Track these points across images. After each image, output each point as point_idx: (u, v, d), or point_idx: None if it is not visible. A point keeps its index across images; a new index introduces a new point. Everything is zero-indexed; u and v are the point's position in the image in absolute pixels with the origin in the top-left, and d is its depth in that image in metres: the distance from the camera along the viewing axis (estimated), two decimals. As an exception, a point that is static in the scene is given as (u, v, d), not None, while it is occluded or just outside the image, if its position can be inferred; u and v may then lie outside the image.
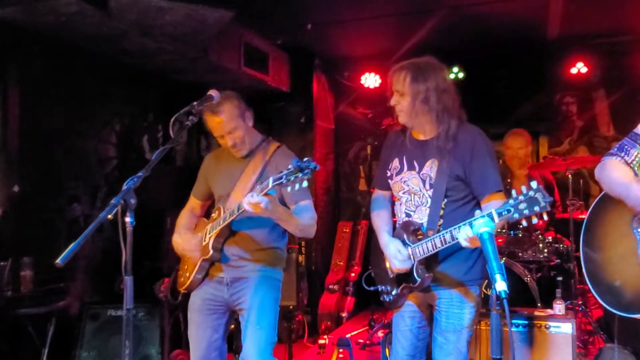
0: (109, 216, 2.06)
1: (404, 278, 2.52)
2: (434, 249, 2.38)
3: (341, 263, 6.02)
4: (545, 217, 2.00)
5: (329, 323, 5.56)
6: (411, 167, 2.60)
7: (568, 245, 4.54)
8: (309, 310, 5.72)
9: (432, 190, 2.51)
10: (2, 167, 4.03)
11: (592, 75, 5.77)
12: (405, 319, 2.67)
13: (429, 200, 2.52)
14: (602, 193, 2.51)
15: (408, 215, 2.59)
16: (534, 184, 2.00)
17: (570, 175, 4.46)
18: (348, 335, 4.63)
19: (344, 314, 5.63)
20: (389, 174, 2.70)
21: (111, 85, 4.96)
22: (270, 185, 2.38)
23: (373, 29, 5.38)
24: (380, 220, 2.73)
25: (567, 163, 4.48)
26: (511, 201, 2.04)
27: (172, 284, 3.09)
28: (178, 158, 5.86)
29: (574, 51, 5.70)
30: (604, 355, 3.53)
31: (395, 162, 2.67)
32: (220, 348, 2.88)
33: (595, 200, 2.54)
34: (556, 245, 4.54)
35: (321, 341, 4.43)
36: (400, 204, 2.64)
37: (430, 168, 2.53)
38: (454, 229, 2.26)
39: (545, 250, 4.45)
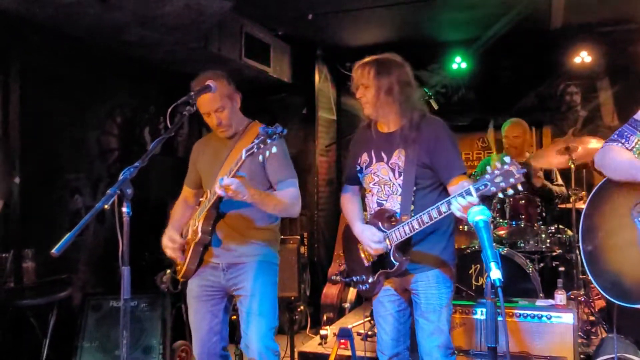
0: (105, 206, 2.06)
1: (381, 265, 2.62)
2: (411, 232, 2.47)
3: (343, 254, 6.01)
4: (520, 188, 2.11)
5: (331, 314, 5.56)
6: (379, 159, 2.71)
7: (570, 236, 4.52)
8: (311, 301, 5.74)
9: (402, 178, 2.62)
10: (3, 158, 4.04)
11: (596, 64, 5.72)
12: (385, 304, 2.77)
13: (400, 188, 2.62)
14: (600, 183, 2.49)
15: (380, 204, 2.68)
16: (507, 159, 2.10)
17: (572, 166, 4.42)
18: (350, 326, 4.63)
19: (346, 305, 5.63)
20: (358, 168, 2.80)
21: (112, 77, 4.96)
22: (243, 157, 2.44)
23: (375, 19, 5.34)
24: (350, 210, 2.85)
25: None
26: (487, 176, 2.14)
27: (171, 274, 3.10)
28: (180, 149, 5.85)
29: (578, 40, 5.65)
30: (606, 345, 3.51)
31: (364, 156, 2.77)
32: (221, 332, 2.91)
33: (594, 190, 2.53)
34: (558, 235, 4.52)
35: (323, 332, 4.42)
36: (372, 195, 2.74)
37: (398, 157, 2.64)
38: (434, 208, 2.37)
39: (548, 241, 4.43)
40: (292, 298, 4.43)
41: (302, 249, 5.62)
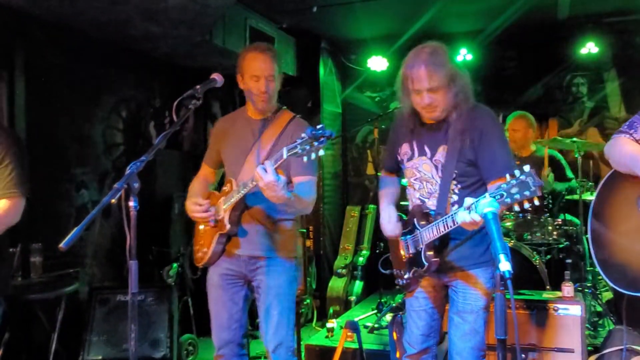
0: (113, 200, 2.05)
1: (414, 262, 2.53)
2: (439, 233, 2.37)
3: (349, 247, 6.03)
4: (537, 202, 1.95)
5: (337, 307, 5.58)
6: (422, 153, 2.57)
7: (577, 227, 4.50)
8: (318, 294, 5.75)
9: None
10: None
11: (603, 55, 5.68)
12: (419, 299, 2.69)
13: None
14: (609, 173, 2.50)
15: (422, 202, 2.58)
16: (526, 168, 1.96)
17: (580, 157, 4.40)
18: (357, 319, 4.63)
19: (353, 298, 5.65)
20: (399, 158, 2.67)
21: (117, 71, 4.95)
22: (284, 156, 2.29)
23: (380, 10, 5.31)
24: (384, 195, 2.76)
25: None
26: (504, 185, 1.99)
27: (189, 260, 3.09)
28: (185, 143, 5.85)
29: (585, 31, 5.60)
30: (614, 337, 3.50)
31: (405, 147, 2.64)
32: (241, 320, 2.90)
33: (602, 181, 2.53)
34: (565, 227, 4.50)
35: (329, 325, 4.43)
36: (414, 191, 2.63)
37: (442, 155, 2.50)
38: (454, 213, 2.25)
39: (555, 233, 4.41)
40: (298, 291, 4.43)
41: (308, 243, 5.63)
